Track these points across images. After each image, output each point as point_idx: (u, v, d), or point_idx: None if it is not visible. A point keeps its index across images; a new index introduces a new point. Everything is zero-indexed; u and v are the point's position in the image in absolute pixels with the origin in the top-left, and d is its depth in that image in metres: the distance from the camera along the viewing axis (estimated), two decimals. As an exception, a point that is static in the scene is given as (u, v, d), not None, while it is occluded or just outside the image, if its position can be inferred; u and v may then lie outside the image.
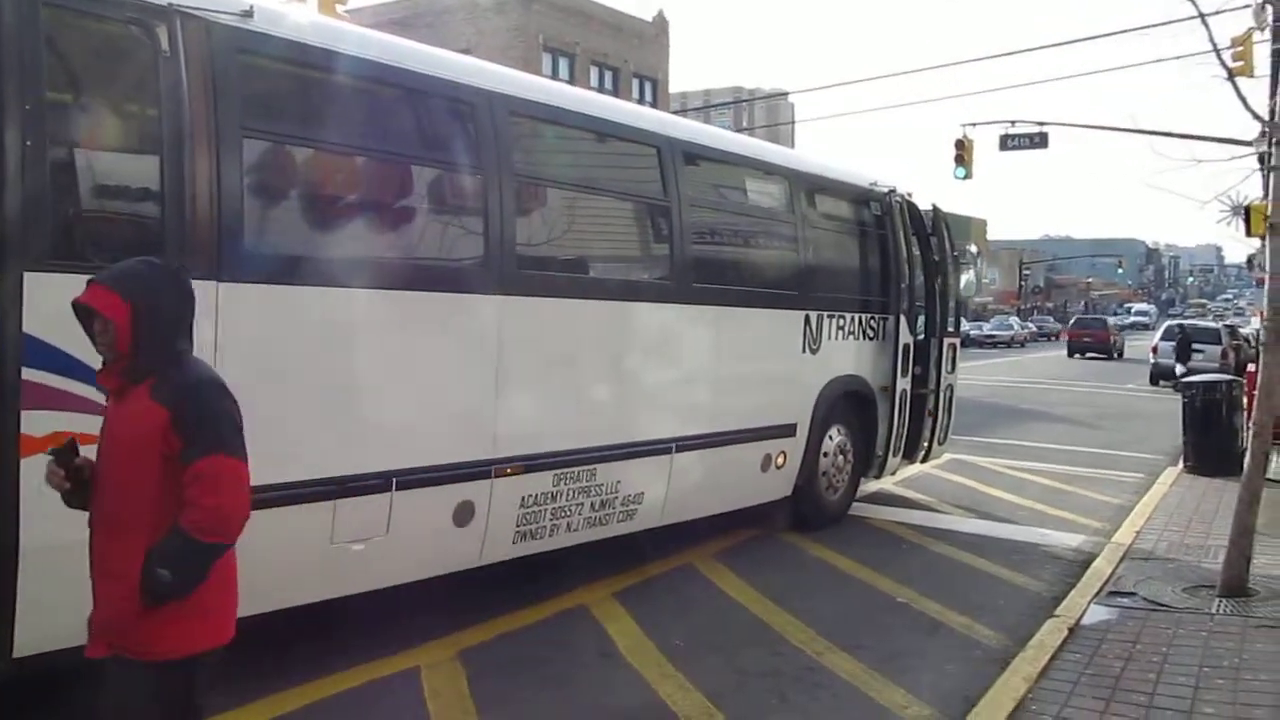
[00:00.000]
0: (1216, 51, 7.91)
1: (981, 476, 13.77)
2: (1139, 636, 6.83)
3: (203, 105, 5.15)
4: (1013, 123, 25.18)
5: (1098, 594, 7.81)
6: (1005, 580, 8.68)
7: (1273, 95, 8.01)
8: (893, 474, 11.88)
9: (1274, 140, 7.62)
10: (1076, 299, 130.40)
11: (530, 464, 6.98)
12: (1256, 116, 7.71)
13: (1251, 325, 48.63)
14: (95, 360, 3.47)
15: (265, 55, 5.64)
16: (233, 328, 5.19)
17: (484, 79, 7.02)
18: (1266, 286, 8.29)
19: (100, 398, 3.64)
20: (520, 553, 7.18)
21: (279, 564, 5.31)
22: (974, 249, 13.75)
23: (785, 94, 62.56)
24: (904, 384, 11.08)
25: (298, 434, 5.56)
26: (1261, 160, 8.03)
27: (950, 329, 12.02)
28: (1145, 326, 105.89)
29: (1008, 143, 25.43)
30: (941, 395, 11.78)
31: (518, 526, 7.04)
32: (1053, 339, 77.59)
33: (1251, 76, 17.41)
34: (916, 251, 11.47)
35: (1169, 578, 8.25)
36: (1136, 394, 29.99)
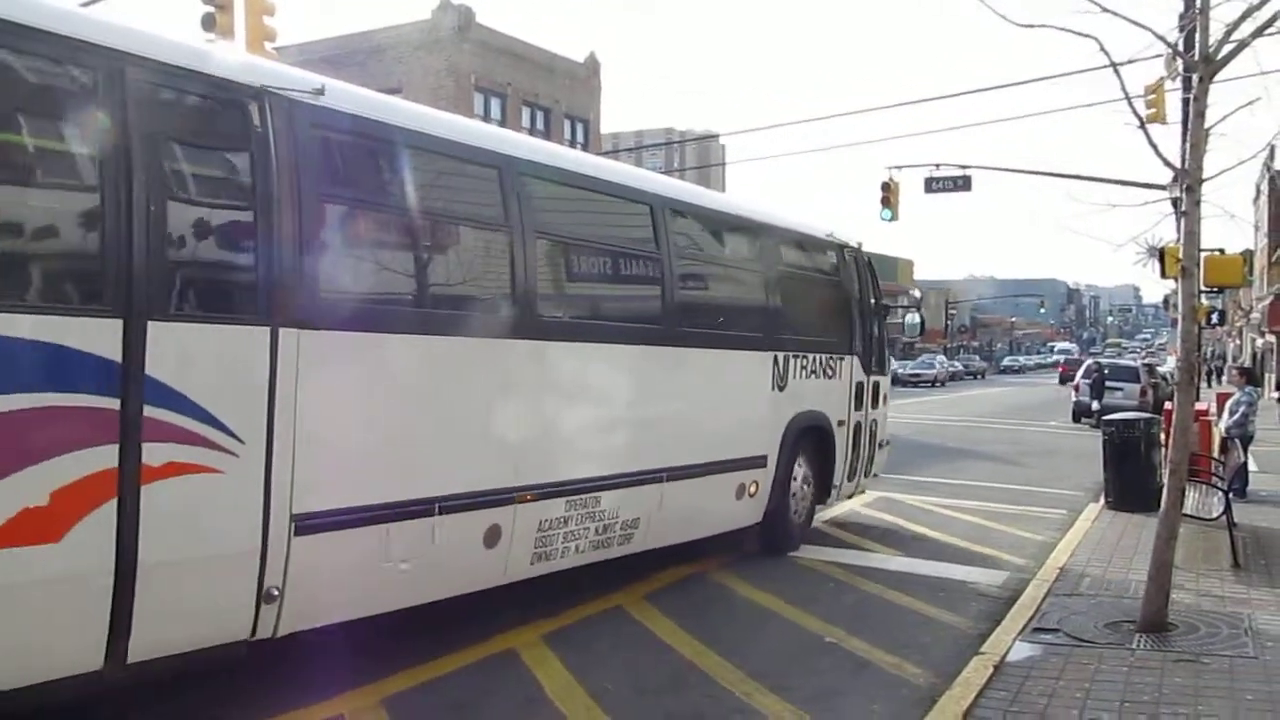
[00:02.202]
0: (1129, 100, 8.14)
1: (909, 514, 13.89)
2: (1062, 673, 6.90)
3: (287, 172, 5.89)
4: (937, 165, 25.66)
5: (1022, 631, 7.88)
6: (932, 618, 8.73)
7: (1184, 142, 8.22)
8: (847, 498, 12.86)
9: (1185, 186, 7.82)
10: (1001, 338, 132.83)
11: (546, 492, 7.73)
12: (1168, 164, 7.91)
13: (1168, 364, 49.90)
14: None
15: (333, 127, 6.40)
16: (310, 369, 5.89)
17: (504, 144, 7.97)
18: (1179, 327, 8.50)
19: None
20: (536, 572, 7.87)
21: (386, 572, 6.45)
22: (917, 293, 14.57)
23: (716, 136, 63.06)
24: (857, 417, 12.25)
25: (379, 457, 6.48)
26: (1175, 205, 8.23)
27: (882, 368, 13.31)
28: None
29: (932, 185, 25.89)
30: (880, 427, 13.09)
31: (535, 548, 7.76)
32: (978, 377, 78.79)
33: (1164, 124, 17.96)
34: (867, 298, 12.78)
35: (1091, 614, 8.36)
36: (1059, 431, 30.51)
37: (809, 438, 11.28)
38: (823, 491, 11.78)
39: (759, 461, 10.42)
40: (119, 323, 5.11)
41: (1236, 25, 7.56)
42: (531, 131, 38.53)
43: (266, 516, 5.74)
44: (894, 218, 26.47)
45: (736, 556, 10.68)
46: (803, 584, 9.81)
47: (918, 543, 12.04)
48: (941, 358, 71.22)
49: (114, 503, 5.08)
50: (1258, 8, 7.42)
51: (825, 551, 11.22)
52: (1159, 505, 8.19)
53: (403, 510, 6.57)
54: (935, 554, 11.38)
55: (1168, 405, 15.62)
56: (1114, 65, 8.03)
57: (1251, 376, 18.28)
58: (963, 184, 25.83)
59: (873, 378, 12.76)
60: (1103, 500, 14.36)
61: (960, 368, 76.36)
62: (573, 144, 40.33)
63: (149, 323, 5.20)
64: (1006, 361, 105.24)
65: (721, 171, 65.67)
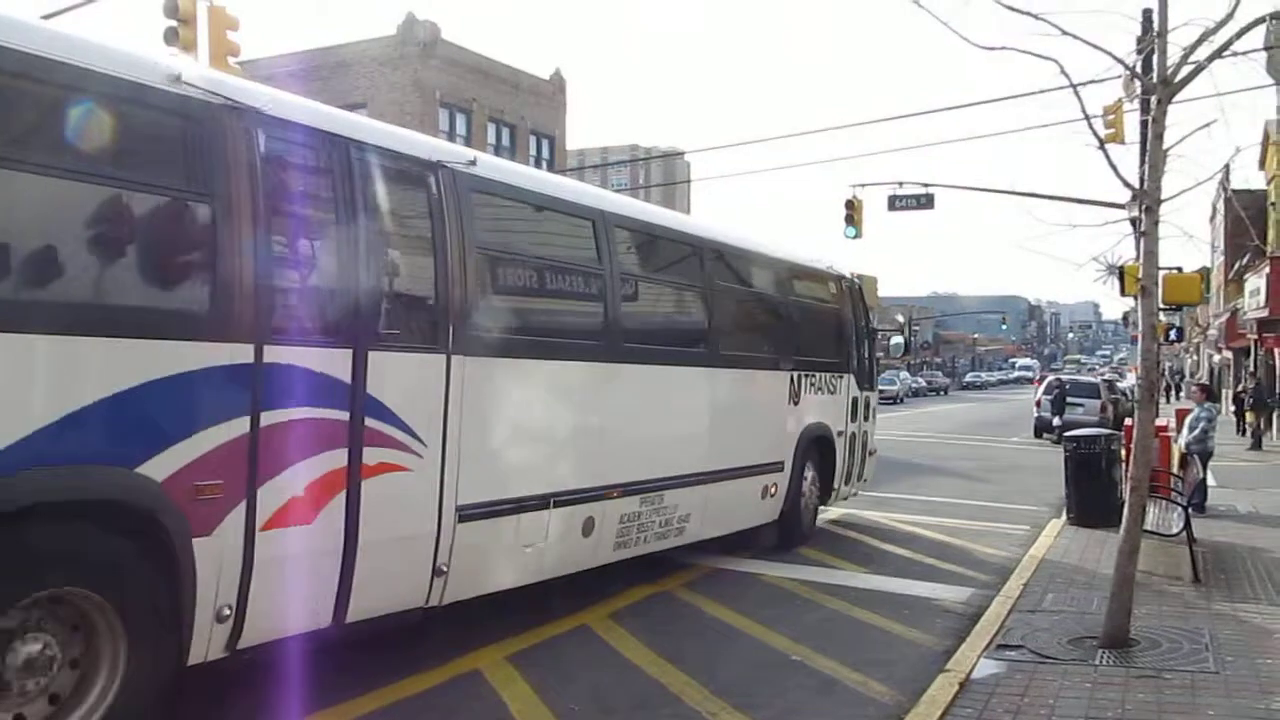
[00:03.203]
0: (1088, 120, 8.22)
1: (873, 531, 13.95)
2: (1027, 689, 6.94)
3: (454, 229, 7.39)
4: (900, 184, 25.82)
5: (986, 648, 7.92)
6: (898, 635, 8.76)
7: (1142, 163, 8.33)
8: (843, 500, 14.30)
9: (1144, 207, 7.92)
10: (964, 354, 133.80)
11: (627, 490, 9.30)
12: (1126, 184, 8.00)
13: (1128, 380, 50.46)
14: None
15: (482, 190, 7.90)
16: (482, 385, 7.50)
17: (601, 201, 9.72)
18: (1139, 345, 8.59)
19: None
20: (616, 558, 9.40)
21: (516, 555, 8.03)
22: (901, 318, 15.75)
23: (681, 153, 63.29)
24: (853, 428, 14.09)
25: (511, 461, 7.97)
26: (1134, 224, 8.32)
27: (872, 384, 15.11)
28: (1029, 380, 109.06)
29: (895, 203, 26.02)
30: (870, 437, 14.88)
31: (617, 537, 9.29)
32: (942, 393, 79.25)
33: (1123, 144, 18.21)
34: (860, 322, 14.57)
35: (1055, 630, 8.42)
36: (1021, 447, 30.76)
37: (816, 446, 12.98)
38: (825, 493, 13.43)
39: (778, 467, 12.05)
40: (349, 351, 6.50)
41: (1194, 49, 7.69)
42: (497, 148, 38.52)
43: (440, 506, 7.18)
44: (858, 235, 26.61)
45: (699, 575, 10.75)
46: (769, 601, 9.82)
47: (883, 559, 12.09)
48: (905, 374, 71.64)
49: (344, 494, 6.46)
50: (1214, 31, 7.54)
51: (791, 569, 11.24)
52: (1120, 521, 8.26)
53: (528, 504, 8.07)
54: (900, 571, 11.43)
55: (1128, 421, 15.78)
56: (1074, 86, 8.13)
57: (1210, 393, 18.50)
58: (925, 202, 25.98)
59: (865, 393, 14.53)
60: (1065, 516, 14.48)
61: (923, 384, 76.82)
62: (538, 160, 40.35)
63: (369, 352, 6.58)
64: (969, 378, 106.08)
65: (686, 189, 65.85)
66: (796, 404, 12.40)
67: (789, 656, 8.01)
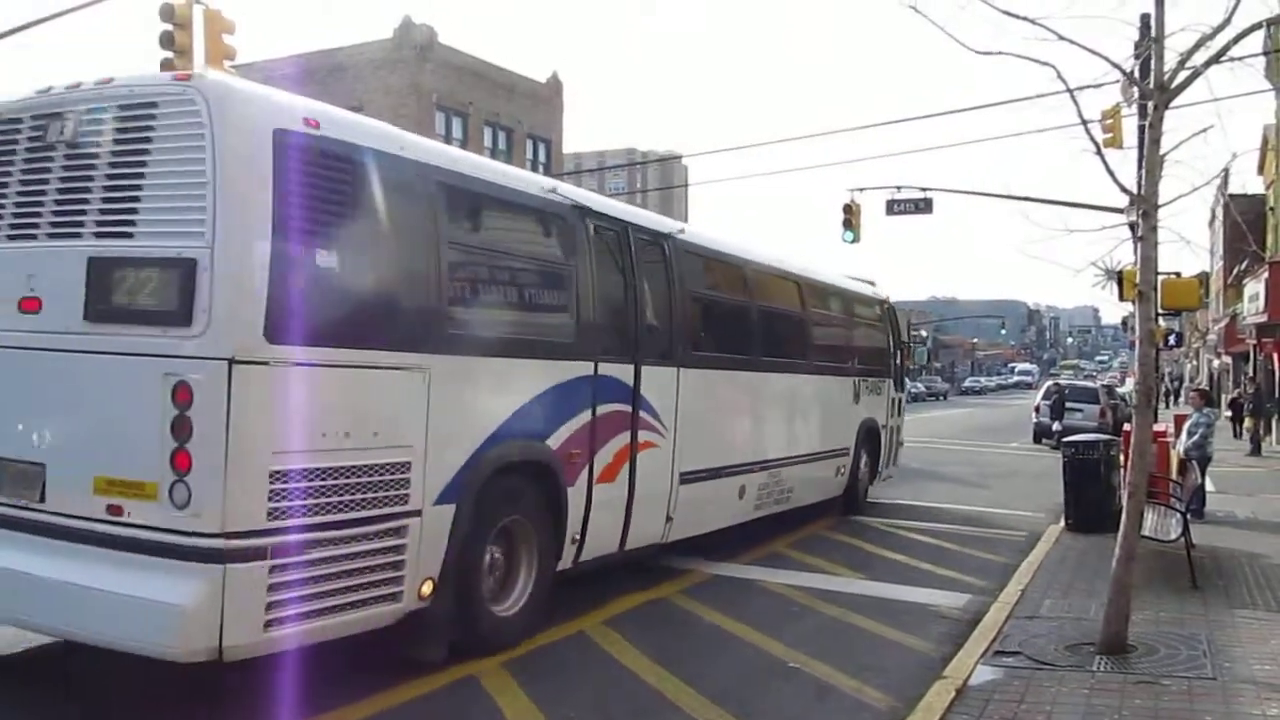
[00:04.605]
0: (1085, 125, 8.25)
1: (871, 537, 13.97)
2: (1024, 696, 6.95)
3: (677, 280, 10.63)
4: (898, 188, 25.86)
5: (984, 654, 7.93)
6: (895, 641, 8.78)
7: (1140, 169, 8.35)
8: (884, 480, 17.64)
9: (1142, 212, 7.94)
10: (963, 359, 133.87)
11: (763, 466, 12.51)
12: (1124, 189, 8.01)
13: (1127, 385, 50.49)
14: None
15: (691, 252, 11.19)
16: (691, 388, 10.55)
17: (744, 253, 12.88)
18: (1137, 350, 8.61)
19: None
20: (754, 516, 12.52)
21: (706, 510, 11.16)
22: (923, 332, 18.11)
23: (679, 157, 63.42)
24: (894, 422, 17.75)
25: (705, 442, 10.96)
26: (1132, 229, 8.34)
27: (902, 387, 18.90)
28: (1028, 385, 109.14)
29: (894, 207, 26.07)
30: (900, 430, 18.68)
31: (755, 501, 12.44)
32: (940, 398, 79.22)
33: (1121, 149, 18.24)
34: (896, 335, 18.30)
35: (1052, 636, 8.43)
36: (1020, 452, 30.79)
37: (868, 436, 16.35)
38: (872, 475, 16.75)
39: (845, 451, 15.40)
40: (631, 366, 9.61)
41: (1190, 54, 7.71)
42: (493, 151, 38.54)
43: (672, 472, 10.27)
44: (856, 239, 26.63)
45: (695, 582, 10.79)
46: (766, 608, 9.84)
47: (880, 565, 12.11)
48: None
49: (628, 461, 9.56)
50: (1210, 37, 7.57)
51: (788, 575, 11.25)
52: (1118, 527, 8.28)
53: (710, 473, 11.06)
54: (897, 577, 11.45)
55: (1127, 426, 15.79)
56: (1070, 91, 8.15)
57: (1209, 398, 18.49)
58: (924, 206, 26.04)
59: (899, 394, 18.32)
60: (1063, 522, 14.50)
61: (922, 389, 76.69)
62: (534, 164, 40.37)
63: (641, 366, 9.69)
64: (968, 383, 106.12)
65: (684, 193, 65.90)
66: (857, 402, 15.79)
67: (785, 663, 8.02)
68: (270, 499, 5.98)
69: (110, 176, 6.39)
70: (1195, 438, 15.35)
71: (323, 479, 6.30)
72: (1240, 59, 7.80)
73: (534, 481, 8.27)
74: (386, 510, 6.77)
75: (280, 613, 6.03)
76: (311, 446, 6.25)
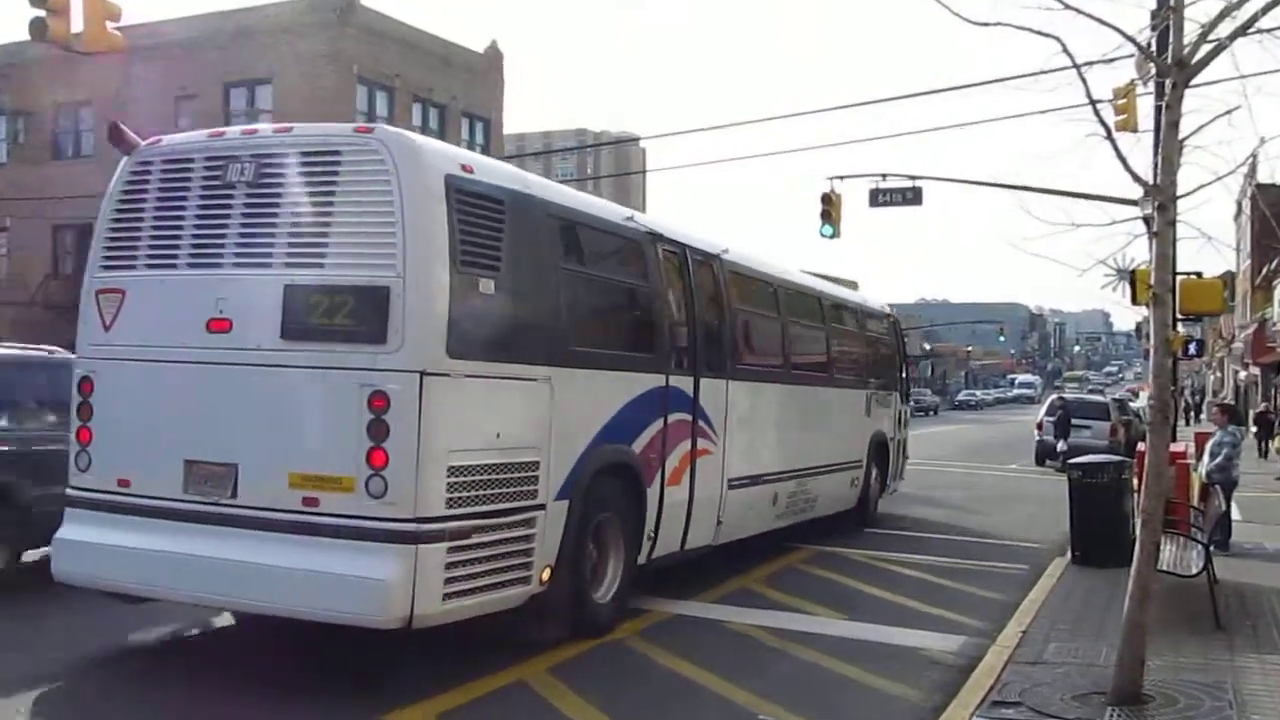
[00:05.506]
0: (1094, 105, 8.24)
1: (851, 570, 14.02)
2: (1025, 753, 6.97)
3: (726, 296, 12.91)
4: (883, 176, 25.91)
5: (980, 705, 7.95)
6: (878, 690, 8.80)
7: (1156, 155, 8.36)
8: (891, 493, 19.88)
9: (1157, 204, 7.96)
10: (956, 369, 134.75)
11: (792, 475, 14.67)
12: (1137, 179, 8.03)
13: (1140, 399, 51.00)
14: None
15: (734, 272, 13.31)
16: (737, 399, 12.70)
17: (781, 273, 15.66)
18: (1151, 360, 8.63)
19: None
20: (781, 525, 14.64)
21: (747, 515, 13.32)
22: (928, 346, 20.07)
23: (636, 139, 63.51)
24: (900, 435, 20.15)
25: (748, 451, 13.16)
26: (1147, 223, 8.34)
27: (907, 400, 21.81)
28: (1030, 400, 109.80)
29: (878, 198, 26.08)
30: (906, 443, 21.28)
31: (784, 509, 14.57)
32: (930, 413, 79.66)
33: (1135, 132, 18.39)
34: (902, 350, 21.37)
35: (1057, 684, 8.47)
36: (1021, 475, 31.06)
37: (879, 449, 18.59)
38: (881, 487, 18.93)
39: (859, 464, 17.69)
40: (691, 379, 11.67)
41: (1213, 25, 7.72)
42: (423, 130, 38.36)
43: (723, 478, 12.34)
44: (835, 234, 26.59)
45: (652, 622, 10.77)
46: (731, 651, 9.84)
47: (863, 603, 12.15)
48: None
49: (689, 467, 11.53)
50: (1237, 6, 7.56)
51: (757, 614, 11.26)
52: (1131, 560, 8.30)
53: (751, 479, 13.20)
54: (883, 616, 11.48)
55: (1141, 446, 15.90)
56: (1077, 66, 8.16)
57: (1234, 415, 18.57)
58: (912, 197, 26.09)
59: (905, 407, 20.91)
60: (1069, 554, 14.59)
61: (910, 403, 76.95)
62: (471, 145, 40.25)
63: (700, 380, 11.79)
64: (962, 396, 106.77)
65: (642, 180, 65.95)
66: (869, 415, 18.19)
67: (755, 715, 8.01)
68: (447, 490, 7.99)
69: (297, 214, 8.39)
70: (1218, 459, 15.49)
71: (481, 474, 8.38)
72: (1270, 31, 7.82)
73: (623, 482, 10.41)
74: (522, 503, 8.84)
75: (452, 588, 7.99)
76: (475, 445, 8.38)
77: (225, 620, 10.12)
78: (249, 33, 36.89)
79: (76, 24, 14.88)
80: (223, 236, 8.64)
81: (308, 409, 8.16)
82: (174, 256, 8.81)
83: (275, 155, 8.62)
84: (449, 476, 8.03)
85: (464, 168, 8.70)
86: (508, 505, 8.66)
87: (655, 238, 11.51)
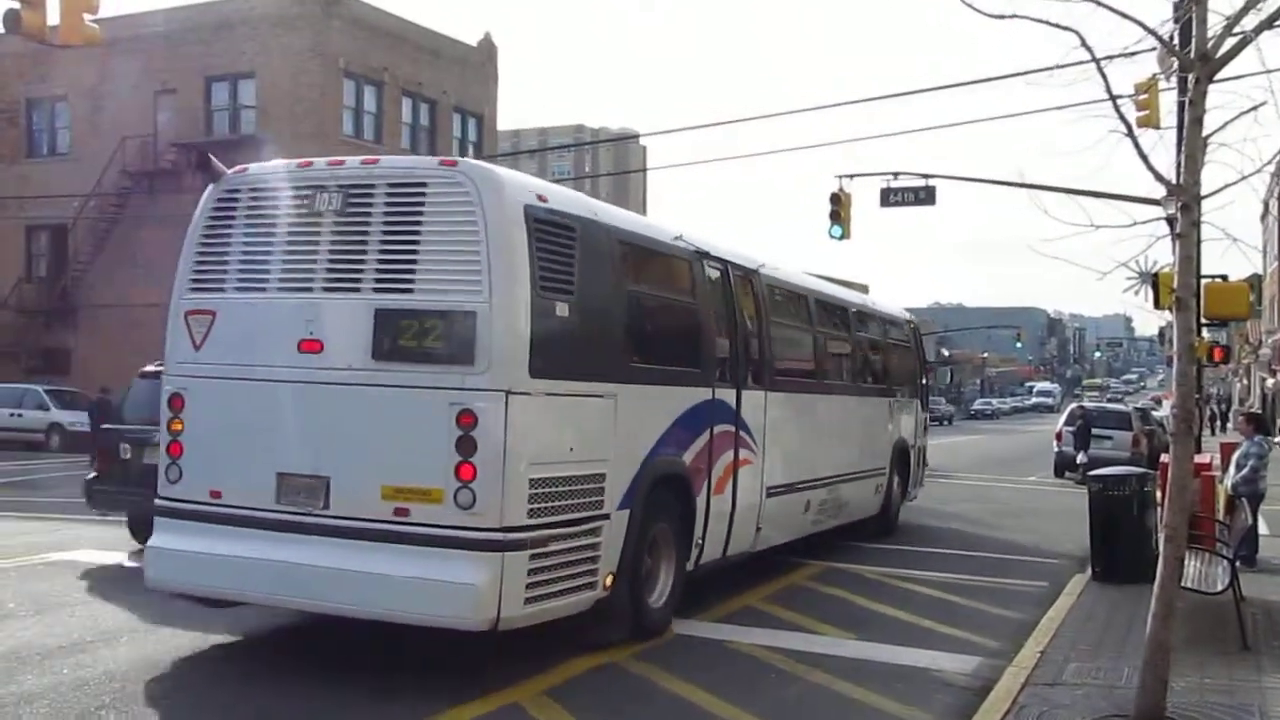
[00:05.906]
0: (1114, 101, 8.26)
1: (862, 588, 14.01)
2: (1043, 779, 6.97)
3: (764, 309, 13.80)
4: (895, 175, 25.94)
5: (996, 729, 7.95)
6: (890, 714, 8.79)
7: (1179, 153, 8.37)
8: (912, 501, 20.86)
9: (1181, 204, 7.97)
10: (971, 376, 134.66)
11: (823, 483, 15.62)
12: (1159, 178, 8.04)
13: (1164, 408, 50.99)
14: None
15: (770, 286, 14.26)
16: (773, 410, 13.57)
17: (814, 284, 16.95)
18: (1175, 367, 8.63)
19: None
20: (812, 530, 15.66)
21: (783, 522, 14.28)
22: (946, 352, 20.56)
23: (635, 136, 63.50)
24: (921, 442, 21.41)
25: (784, 460, 14.07)
26: (1170, 224, 8.35)
27: (927, 407, 23.09)
28: (1049, 408, 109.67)
29: (890, 197, 26.15)
30: (926, 450, 22.68)
31: (817, 515, 15.58)
32: (945, 423, 79.59)
33: (1157, 129, 18.42)
34: (923, 357, 22.70)
35: (1077, 707, 8.48)
36: (1039, 487, 31.04)
37: (901, 456, 19.60)
38: (902, 494, 19.83)
39: (882, 470, 18.57)
40: (734, 391, 12.50)
41: (1238, 18, 7.75)
42: (413, 127, 38.46)
43: (762, 486, 13.27)
44: (844, 235, 26.71)
45: (652, 644, 10.73)
46: (737, 674, 9.83)
47: (873, 622, 12.15)
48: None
49: (732, 476, 12.39)
50: (1262, -2, 7.61)
51: (764, 634, 11.25)
52: (1154, 576, 8.30)
53: (786, 488, 14.11)
54: (894, 636, 11.47)
55: (1164, 457, 15.90)
56: (1096, 61, 8.18)
57: (1261, 424, 18.53)
58: (925, 196, 26.16)
59: (924, 414, 22.08)
60: (1089, 570, 14.58)
61: (929, 410, 76.79)
62: (464, 142, 40.36)
63: (742, 391, 12.63)
64: (978, 405, 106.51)
65: (642, 178, 66.03)
66: (892, 423, 19.21)
67: (760, 741, 7.99)
68: (529, 501, 8.87)
69: (385, 241, 9.20)
70: (1245, 471, 15.48)
71: (557, 485, 9.24)
72: (1297, 24, 7.84)
73: (675, 492, 11.21)
74: (590, 513, 9.72)
75: (532, 593, 8.86)
76: (552, 459, 9.25)
77: (225, 631, 10.13)
78: (231, 25, 36.97)
79: (53, 16, 14.94)
80: (312, 262, 9.48)
81: (398, 425, 8.91)
82: (264, 280, 9.63)
83: (362, 186, 9.44)
84: (530, 489, 8.91)
85: (540, 197, 9.50)
86: (579, 515, 9.54)
87: (701, 255, 12.31)
